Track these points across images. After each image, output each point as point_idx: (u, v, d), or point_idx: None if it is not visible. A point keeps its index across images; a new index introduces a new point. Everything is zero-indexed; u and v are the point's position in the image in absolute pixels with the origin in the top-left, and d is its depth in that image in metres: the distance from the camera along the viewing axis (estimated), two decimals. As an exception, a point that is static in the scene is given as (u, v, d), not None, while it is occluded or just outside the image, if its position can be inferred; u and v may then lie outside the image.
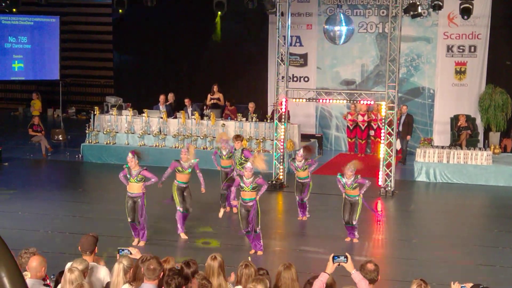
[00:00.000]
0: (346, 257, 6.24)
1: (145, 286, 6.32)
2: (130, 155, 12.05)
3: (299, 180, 13.98)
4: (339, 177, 12.46)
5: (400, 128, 19.52)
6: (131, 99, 22.84)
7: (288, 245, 12.51)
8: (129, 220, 12.18)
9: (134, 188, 12.03)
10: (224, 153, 14.22)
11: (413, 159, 18.58)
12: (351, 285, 6.19)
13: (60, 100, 25.40)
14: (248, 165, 11.62)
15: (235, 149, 14.08)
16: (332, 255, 6.27)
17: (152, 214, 13.17)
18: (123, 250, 6.99)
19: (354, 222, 12.42)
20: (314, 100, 17.56)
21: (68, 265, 6.97)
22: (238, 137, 14.15)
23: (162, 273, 6.32)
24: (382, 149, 16.51)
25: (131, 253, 6.95)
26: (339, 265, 6.27)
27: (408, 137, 20.03)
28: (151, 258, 6.39)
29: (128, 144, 19.51)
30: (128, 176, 12.04)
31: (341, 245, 12.24)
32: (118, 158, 19.37)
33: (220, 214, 13.25)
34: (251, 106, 20.08)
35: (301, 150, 13.97)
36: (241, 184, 11.55)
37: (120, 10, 19.35)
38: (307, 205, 14.06)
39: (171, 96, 21.24)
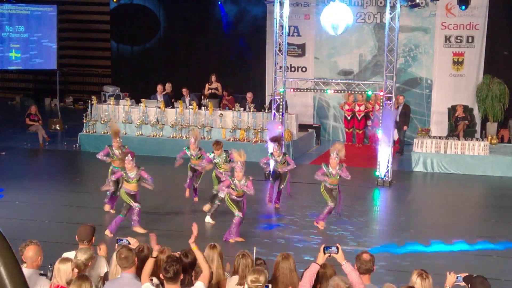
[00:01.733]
0: (337, 248, 6.25)
1: (124, 275, 6.35)
2: (129, 157, 12.02)
3: (277, 170, 14.09)
4: (323, 167, 12.47)
5: (397, 119, 19.51)
6: (128, 88, 22.83)
7: (283, 235, 12.49)
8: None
9: (132, 186, 12.07)
10: (194, 153, 13.90)
11: (410, 150, 18.58)
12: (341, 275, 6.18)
13: (57, 89, 25.34)
14: (239, 164, 11.64)
15: (216, 155, 13.38)
16: (323, 245, 6.28)
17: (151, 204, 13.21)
18: (121, 240, 6.99)
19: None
20: (312, 90, 17.53)
21: (64, 255, 6.96)
22: (218, 144, 13.48)
23: (136, 259, 6.42)
24: (380, 138, 16.47)
25: (129, 243, 6.94)
26: (330, 256, 6.27)
27: (405, 128, 20.00)
28: (122, 248, 6.42)
29: (125, 134, 19.45)
30: (125, 177, 12.04)
31: (338, 235, 12.25)
32: (116, 147, 19.34)
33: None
34: (249, 96, 20.03)
35: (273, 144, 14.13)
36: (232, 186, 11.63)
37: (114, 0, 19.23)
38: (282, 193, 14.17)
39: (168, 86, 21.19)
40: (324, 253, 6.26)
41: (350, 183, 13.36)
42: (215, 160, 13.40)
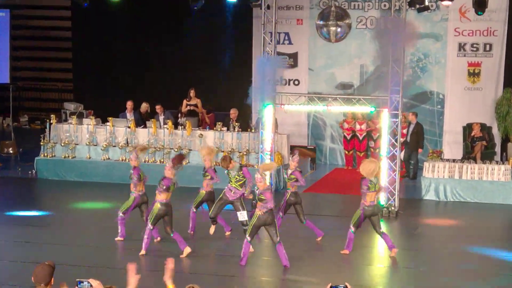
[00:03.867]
0: (346, 287, 6.35)
1: None
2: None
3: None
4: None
5: (408, 139, 19.56)
6: (93, 105, 22.82)
7: (276, 273, 12.50)
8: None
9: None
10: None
11: (420, 175, 18.63)
12: None
13: (10, 107, 25.32)
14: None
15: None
16: (329, 285, 6.37)
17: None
18: (82, 282, 6.97)
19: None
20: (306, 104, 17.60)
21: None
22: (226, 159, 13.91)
23: None
24: (384, 163, 16.49)
25: (91, 285, 6.93)
26: None
27: (420, 150, 20.05)
28: None
29: (90, 158, 19.50)
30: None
31: (335, 273, 12.25)
32: (78, 174, 19.34)
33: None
34: (233, 112, 20.06)
35: (297, 155, 14.09)
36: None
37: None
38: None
39: (145, 107, 20.99)
40: None
41: (351, 213, 13.38)
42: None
